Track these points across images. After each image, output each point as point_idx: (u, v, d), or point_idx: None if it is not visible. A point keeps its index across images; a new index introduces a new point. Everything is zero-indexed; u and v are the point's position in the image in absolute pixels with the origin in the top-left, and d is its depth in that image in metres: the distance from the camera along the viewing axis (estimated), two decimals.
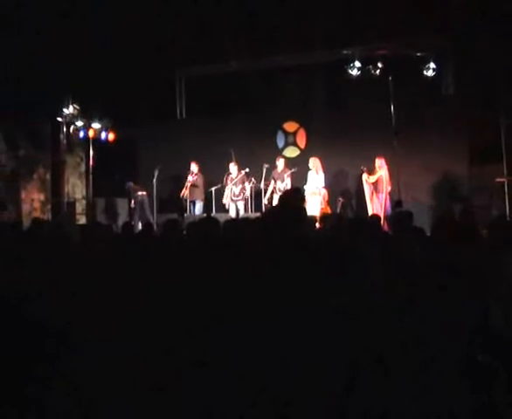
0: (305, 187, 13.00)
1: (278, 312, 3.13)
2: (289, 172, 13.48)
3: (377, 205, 12.56)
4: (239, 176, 13.76)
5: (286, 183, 13.46)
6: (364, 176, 12.72)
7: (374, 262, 3.56)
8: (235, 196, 13.86)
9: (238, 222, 9.47)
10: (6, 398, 3.10)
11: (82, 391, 3.13)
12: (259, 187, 13.67)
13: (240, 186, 13.81)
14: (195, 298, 3.41)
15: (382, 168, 12.60)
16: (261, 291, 3.30)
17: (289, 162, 14.01)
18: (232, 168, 13.89)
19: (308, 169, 13.29)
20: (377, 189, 12.63)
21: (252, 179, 13.70)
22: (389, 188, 12.56)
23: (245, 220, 9.48)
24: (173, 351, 3.17)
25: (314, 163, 13.26)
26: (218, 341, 3.11)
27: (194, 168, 14.11)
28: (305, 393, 2.84)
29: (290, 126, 14.93)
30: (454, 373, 2.85)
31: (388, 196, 12.61)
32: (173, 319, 3.37)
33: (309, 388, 2.84)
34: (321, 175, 13.11)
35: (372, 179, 12.65)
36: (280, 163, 13.70)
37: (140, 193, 14.40)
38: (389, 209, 12.46)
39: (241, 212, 13.71)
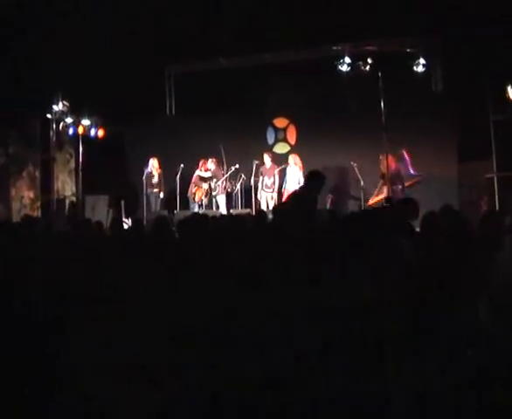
0: (285, 184, 13.18)
1: (276, 311, 3.14)
2: (278, 169, 13.55)
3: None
4: (215, 171, 13.84)
5: (273, 180, 13.53)
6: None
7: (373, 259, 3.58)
8: (213, 191, 13.93)
9: (226, 218, 9.45)
10: (6, 398, 3.10)
11: (81, 390, 3.13)
12: (249, 183, 13.69)
13: (215, 180, 13.86)
14: (186, 296, 3.42)
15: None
16: (255, 291, 3.31)
17: (278, 158, 14.03)
18: (210, 164, 13.94)
19: (287, 166, 13.51)
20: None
21: (242, 175, 13.72)
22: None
23: (235, 216, 9.48)
24: (169, 349, 3.18)
25: (295, 160, 13.36)
26: (215, 339, 3.12)
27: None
28: (305, 392, 2.85)
29: (280, 122, 14.94)
30: (452, 372, 2.87)
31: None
32: (165, 317, 3.38)
33: (309, 386, 2.85)
34: (301, 172, 13.20)
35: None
36: (267, 159, 13.73)
37: (154, 190, 14.24)
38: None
39: (222, 208, 13.74)
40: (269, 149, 14.40)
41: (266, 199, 13.64)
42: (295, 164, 13.37)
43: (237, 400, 2.87)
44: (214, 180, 13.91)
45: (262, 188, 13.69)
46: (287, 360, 2.94)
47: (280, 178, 13.59)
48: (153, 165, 14.26)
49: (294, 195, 8.86)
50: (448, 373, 2.80)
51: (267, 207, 13.36)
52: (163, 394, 2.97)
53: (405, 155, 13.07)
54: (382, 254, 3.71)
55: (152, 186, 14.25)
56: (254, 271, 3.40)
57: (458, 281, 3.25)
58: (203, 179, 14.12)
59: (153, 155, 14.31)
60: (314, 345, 2.94)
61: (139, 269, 4.18)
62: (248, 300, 3.20)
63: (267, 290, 3.20)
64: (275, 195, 13.60)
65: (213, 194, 13.98)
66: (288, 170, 13.47)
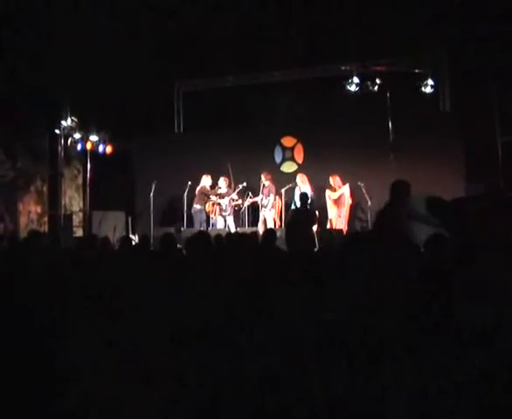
0: (294, 204, 13.13)
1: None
2: (285, 188, 13.49)
3: (338, 219, 13.15)
4: (228, 191, 13.82)
5: (269, 200, 13.52)
6: (327, 193, 13.27)
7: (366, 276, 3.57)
8: (224, 211, 13.87)
9: (233, 236, 9.50)
10: (6, 398, 3.10)
11: (81, 390, 3.12)
12: (257, 202, 13.69)
13: (227, 200, 13.80)
14: (186, 296, 3.41)
15: (342, 186, 13.18)
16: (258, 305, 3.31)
17: (280, 178, 14.06)
18: (221, 182, 13.92)
19: (295, 186, 13.47)
20: (339, 204, 13.14)
21: (250, 193, 13.72)
22: (350, 202, 13.30)
23: (241, 235, 9.51)
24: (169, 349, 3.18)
25: (302, 179, 13.34)
26: (215, 339, 3.12)
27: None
28: (305, 393, 2.84)
29: (288, 141, 14.92)
30: (452, 372, 2.86)
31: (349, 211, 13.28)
32: (165, 316, 3.38)
33: (309, 387, 2.84)
34: (312, 192, 13.15)
35: (334, 196, 13.19)
36: (263, 178, 13.70)
37: (198, 206, 14.20)
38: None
39: (231, 228, 13.65)
40: (278, 168, 14.44)
41: (264, 218, 13.60)
42: (303, 183, 13.32)
43: (237, 400, 2.87)
44: (227, 198, 13.87)
45: (261, 208, 13.69)
46: (287, 361, 2.93)
47: (288, 198, 13.56)
48: (206, 183, 14.22)
49: None
50: (448, 373, 2.78)
51: (265, 226, 13.30)
52: (163, 394, 2.97)
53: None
54: (383, 258, 3.71)
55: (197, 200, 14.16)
56: (255, 272, 3.40)
57: (460, 284, 3.25)
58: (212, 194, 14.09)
59: (206, 173, 14.16)
60: (313, 345, 2.93)
61: (141, 271, 4.18)
62: (248, 301, 3.20)
63: (268, 291, 3.19)
64: (272, 213, 13.55)
65: (224, 214, 13.92)
66: (297, 191, 13.36)
